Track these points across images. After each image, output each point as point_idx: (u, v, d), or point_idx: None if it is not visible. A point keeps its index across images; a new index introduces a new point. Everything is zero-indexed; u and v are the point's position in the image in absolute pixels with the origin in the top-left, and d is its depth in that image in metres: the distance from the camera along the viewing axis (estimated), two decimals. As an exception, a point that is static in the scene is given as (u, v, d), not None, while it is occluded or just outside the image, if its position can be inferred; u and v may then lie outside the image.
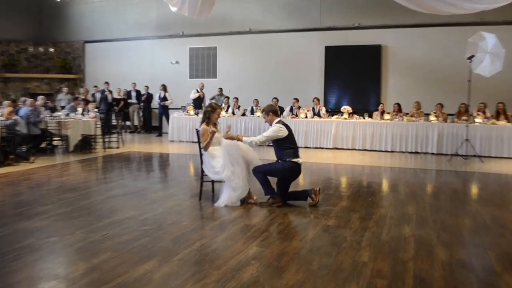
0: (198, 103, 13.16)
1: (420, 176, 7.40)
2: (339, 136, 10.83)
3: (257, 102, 12.32)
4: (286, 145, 5.06)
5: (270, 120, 5.21)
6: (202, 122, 5.36)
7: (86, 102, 12.29)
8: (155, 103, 14.47)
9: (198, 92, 13.36)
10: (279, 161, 5.11)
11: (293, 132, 5.23)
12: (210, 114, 5.30)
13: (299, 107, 11.81)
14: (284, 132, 5.07)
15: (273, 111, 5.21)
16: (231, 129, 6.07)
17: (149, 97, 14.70)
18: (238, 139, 5.11)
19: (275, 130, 5.04)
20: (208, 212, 4.97)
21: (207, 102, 13.30)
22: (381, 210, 5.06)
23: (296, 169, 5.14)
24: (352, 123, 10.75)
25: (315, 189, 5.24)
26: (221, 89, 13.63)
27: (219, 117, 5.43)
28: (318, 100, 11.83)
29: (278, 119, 5.20)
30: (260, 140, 5.01)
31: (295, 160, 5.09)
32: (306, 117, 11.35)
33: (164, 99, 13.98)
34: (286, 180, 5.20)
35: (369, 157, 9.83)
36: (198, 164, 7.15)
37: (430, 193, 6.05)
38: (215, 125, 5.44)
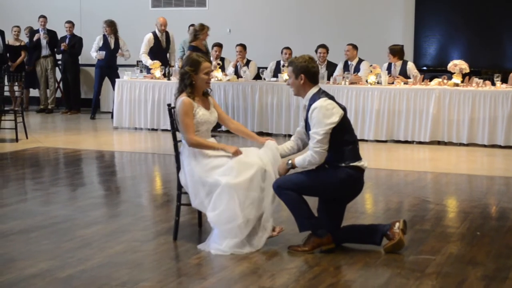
0: (161, 56, 13.22)
1: None
2: (442, 119, 10.83)
3: (289, 53, 12.35)
4: (339, 138, 5.08)
5: (299, 87, 5.23)
6: (179, 93, 5.41)
7: None
8: (88, 56, 14.57)
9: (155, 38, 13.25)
10: (326, 166, 5.13)
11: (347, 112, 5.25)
12: (192, 77, 5.35)
13: (359, 62, 11.80)
14: (338, 113, 5.08)
15: (311, 72, 5.20)
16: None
17: (76, 44, 14.86)
18: (291, 167, 5.20)
19: (325, 113, 5.03)
20: (189, 264, 4.96)
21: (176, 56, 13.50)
22: (527, 263, 5.06)
23: (358, 181, 5.18)
24: (471, 93, 10.73)
25: (397, 222, 5.24)
26: (201, 28, 13.69)
27: (209, 79, 5.48)
28: (397, 52, 11.76)
29: (316, 87, 5.21)
30: (318, 151, 5.03)
31: (356, 164, 5.12)
32: (378, 82, 11.37)
33: (111, 49, 14.04)
34: (339, 202, 5.25)
35: (503, 159, 9.79)
36: (171, 173, 7.07)
37: None
38: (205, 95, 5.48)
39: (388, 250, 5.18)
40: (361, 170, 5.16)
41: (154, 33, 13.24)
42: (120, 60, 14.46)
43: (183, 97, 5.33)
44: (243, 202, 5.13)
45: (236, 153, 5.24)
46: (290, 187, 5.13)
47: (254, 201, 5.17)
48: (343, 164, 5.08)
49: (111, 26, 13.98)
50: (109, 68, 14.11)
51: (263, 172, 5.21)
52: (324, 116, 5.02)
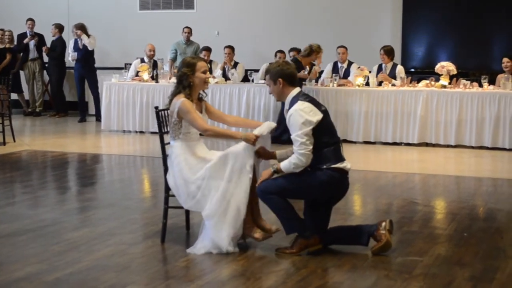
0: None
1: None
2: (430, 121, 10.87)
3: (284, 56, 12.36)
4: (318, 140, 5.08)
5: (279, 92, 5.23)
6: (174, 95, 5.42)
7: None
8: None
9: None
10: (309, 169, 5.12)
11: (329, 114, 5.24)
12: (190, 77, 5.38)
13: (349, 64, 11.86)
14: (315, 115, 5.08)
15: (286, 74, 5.20)
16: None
17: (58, 47, 14.82)
18: (276, 171, 5.17)
19: (301, 115, 5.03)
20: (177, 266, 4.97)
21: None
22: (513, 264, 5.08)
23: (341, 182, 5.17)
24: (458, 94, 10.76)
25: (383, 222, 5.24)
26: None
27: (207, 78, 5.53)
28: (391, 52, 11.82)
29: (296, 89, 5.21)
30: (302, 153, 5.00)
31: (338, 165, 5.11)
32: (367, 84, 11.41)
33: (81, 49, 13.98)
34: (325, 204, 5.26)
35: (491, 161, 9.82)
36: (159, 175, 7.06)
37: None
38: (199, 99, 5.52)
39: (375, 252, 5.17)
40: (344, 172, 5.14)
41: (142, 60, 13.11)
42: (105, 63, 14.42)
43: (182, 98, 5.33)
44: (227, 190, 5.16)
45: (250, 138, 5.21)
46: (273, 191, 5.12)
47: (241, 188, 5.17)
48: (324, 166, 5.06)
49: (82, 29, 13.91)
50: (83, 68, 14.06)
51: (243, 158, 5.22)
52: (301, 117, 5.01)
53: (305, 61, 11.02)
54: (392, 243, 5.24)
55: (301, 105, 5.06)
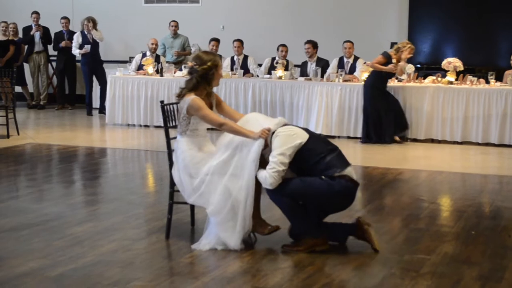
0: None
1: None
2: (436, 117, 10.85)
3: (285, 50, 12.32)
4: (316, 154, 5.10)
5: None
6: (191, 90, 5.39)
7: None
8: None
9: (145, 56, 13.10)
10: (323, 178, 5.10)
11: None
12: (215, 74, 5.42)
13: (355, 59, 11.84)
14: (298, 137, 5.11)
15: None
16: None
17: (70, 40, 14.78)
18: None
19: (285, 141, 5.06)
20: (182, 263, 4.97)
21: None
22: (523, 263, 5.05)
23: (350, 195, 5.19)
24: (465, 91, 10.75)
25: (359, 219, 5.29)
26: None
27: (218, 81, 5.56)
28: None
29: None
30: (279, 170, 5.03)
31: (346, 173, 5.10)
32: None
33: (92, 44, 14.00)
34: (324, 212, 5.30)
35: (497, 158, 9.80)
36: (164, 170, 7.01)
37: None
38: (209, 94, 5.49)
39: (378, 247, 5.20)
40: (356, 184, 5.17)
41: (144, 54, 13.10)
42: (109, 56, 14.40)
43: (192, 96, 5.32)
44: (231, 185, 5.17)
45: (265, 135, 5.18)
46: (285, 194, 5.11)
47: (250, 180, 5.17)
48: (336, 174, 5.05)
49: (93, 22, 13.94)
50: (94, 63, 14.08)
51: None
52: (286, 143, 5.06)
53: (395, 56, 10.84)
54: (373, 238, 5.22)
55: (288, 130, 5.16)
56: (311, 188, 5.10)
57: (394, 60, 10.48)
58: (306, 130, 5.27)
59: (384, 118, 10.59)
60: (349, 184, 5.10)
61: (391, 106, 10.63)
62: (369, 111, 10.63)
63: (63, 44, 14.60)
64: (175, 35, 13.96)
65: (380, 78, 10.60)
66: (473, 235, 5.79)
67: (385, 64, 10.45)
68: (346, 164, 5.16)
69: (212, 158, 5.27)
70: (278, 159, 5.03)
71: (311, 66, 11.93)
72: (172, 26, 13.92)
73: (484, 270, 4.88)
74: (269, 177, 5.02)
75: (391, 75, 10.65)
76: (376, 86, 10.63)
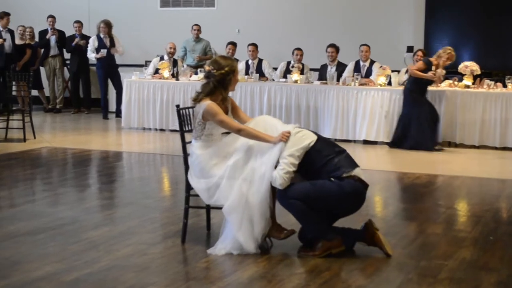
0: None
1: None
2: (453, 121, 10.80)
3: (301, 54, 12.31)
4: (324, 156, 5.10)
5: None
6: (207, 94, 5.38)
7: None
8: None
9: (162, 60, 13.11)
10: (332, 180, 5.10)
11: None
12: (232, 79, 5.41)
13: (371, 63, 11.79)
14: (307, 138, 5.15)
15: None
16: None
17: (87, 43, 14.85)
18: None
19: (294, 142, 5.09)
20: (198, 267, 4.95)
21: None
22: (542, 269, 5.01)
23: (360, 196, 5.17)
24: (482, 95, 10.70)
25: (367, 222, 5.25)
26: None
27: (235, 86, 5.56)
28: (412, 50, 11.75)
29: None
30: (289, 171, 5.06)
31: (355, 173, 5.09)
32: (389, 83, 11.36)
33: (108, 48, 14.04)
34: (333, 217, 5.27)
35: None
36: (180, 174, 6.99)
37: None
38: (224, 99, 5.47)
39: (390, 251, 5.18)
40: (366, 185, 5.15)
41: (162, 58, 13.12)
42: (125, 60, 14.46)
43: (207, 101, 5.31)
44: (246, 187, 5.16)
45: (285, 139, 5.17)
46: (295, 197, 5.09)
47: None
48: (344, 175, 5.05)
49: (109, 26, 13.99)
50: (109, 67, 14.12)
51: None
52: (299, 142, 5.11)
53: (435, 63, 10.74)
54: (384, 242, 5.21)
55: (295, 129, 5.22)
56: (322, 190, 5.08)
57: (433, 68, 10.41)
58: (314, 132, 5.29)
59: (423, 124, 10.43)
60: (358, 185, 5.09)
61: (428, 114, 10.45)
62: (405, 116, 10.55)
63: (77, 42, 14.61)
64: (198, 39, 13.94)
65: (418, 85, 10.50)
66: (491, 240, 5.75)
67: (425, 70, 10.36)
68: (354, 165, 5.16)
69: (227, 162, 5.26)
70: (289, 160, 5.05)
71: (331, 70, 11.89)
72: (195, 30, 13.90)
73: (502, 276, 4.83)
74: (279, 177, 5.03)
75: (429, 82, 10.56)
76: (415, 92, 10.52)
